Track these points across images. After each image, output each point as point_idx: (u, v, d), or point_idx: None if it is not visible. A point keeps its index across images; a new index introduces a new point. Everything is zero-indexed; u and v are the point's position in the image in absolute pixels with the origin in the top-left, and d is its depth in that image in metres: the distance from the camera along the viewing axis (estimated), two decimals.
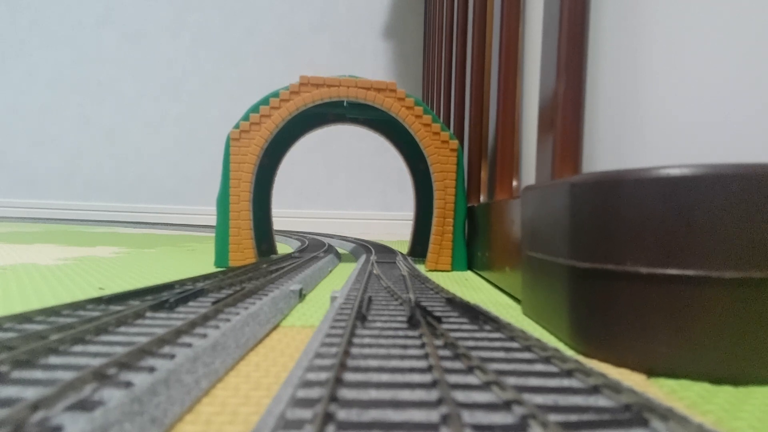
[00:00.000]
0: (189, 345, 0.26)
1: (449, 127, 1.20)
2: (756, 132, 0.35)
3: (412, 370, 0.22)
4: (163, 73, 2.35)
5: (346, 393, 0.19)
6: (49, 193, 2.38)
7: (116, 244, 1.16)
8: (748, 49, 0.35)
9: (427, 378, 0.21)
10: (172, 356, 0.24)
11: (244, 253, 0.75)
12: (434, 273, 0.78)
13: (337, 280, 0.66)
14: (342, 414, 0.17)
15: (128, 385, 0.20)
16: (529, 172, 0.63)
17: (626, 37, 0.41)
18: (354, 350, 0.25)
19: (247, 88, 2.30)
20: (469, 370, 0.23)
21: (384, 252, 0.93)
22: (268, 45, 2.33)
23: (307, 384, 0.20)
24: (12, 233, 1.41)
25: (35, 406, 0.16)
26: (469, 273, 0.79)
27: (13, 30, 2.34)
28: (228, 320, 0.32)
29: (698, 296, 0.27)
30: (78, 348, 0.24)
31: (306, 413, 0.17)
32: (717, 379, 0.27)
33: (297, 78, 0.77)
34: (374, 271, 0.60)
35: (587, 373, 0.22)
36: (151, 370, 0.21)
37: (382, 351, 0.25)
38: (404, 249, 1.12)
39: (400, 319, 0.33)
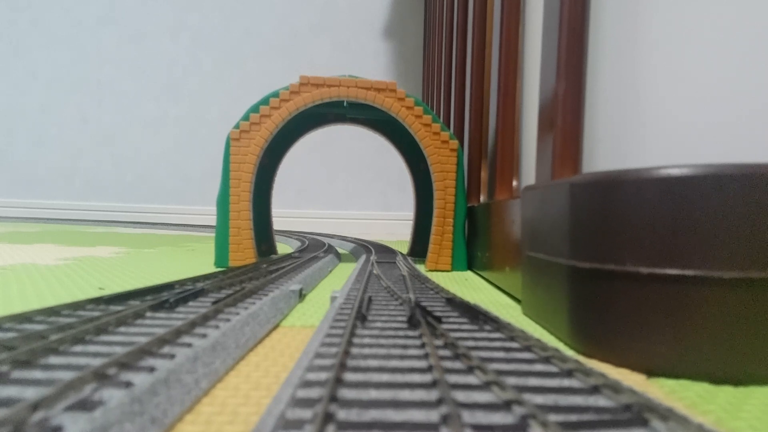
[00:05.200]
0: (189, 345, 0.26)
1: (449, 127, 1.20)
2: (756, 132, 0.35)
3: (412, 370, 0.22)
4: (163, 73, 2.35)
5: (346, 393, 0.19)
6: (49, 193, 2.37)
7: (116, 244, 1.16)
8: (747, 49, 0.35)
9: (427, 378, 0.21)
10: (172, 356, 0.24)
11: (244, 253, 0.75)
12: (434, 273, 0.78)
13: (337, 280, 0.66)
14: (342, 414, 0.17)
15: (128, 385, 0.20)
16: (529, 172, 0.63)
17: (626, 37, 0.41)
18: (354, 350, 0.25)
19: (247, 88, 2.30)
20: (469, 370, 0.23)
21: (384, 252, 0.93)
22: (268, 45, 2.33)
23: (307, 384, 0.20)
24: (12, 233, 1.41)
25: (35, 406, 0.16)
26: (469, 273, 0.79)
27: (13, 30, 2.34)
28: (228, 320, 0.32)
29: (698, 296, 0.27)
30: (78, 348, 0.24)
31: (306, 413, 0.17)
32: (717, 379, 0.27)
33: (297, 78, 0.77)
34: (374, 271, 0.60)
35: (587, 373, 0.22)
36: (151, 370, 0.21)
37: (382, 351, 0.25)
38: (404, 249, 1.12)
39: (400, 319, 0.33)
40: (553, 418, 0.18)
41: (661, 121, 0.38)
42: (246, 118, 0.75)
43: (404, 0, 2.32)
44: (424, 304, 0.40)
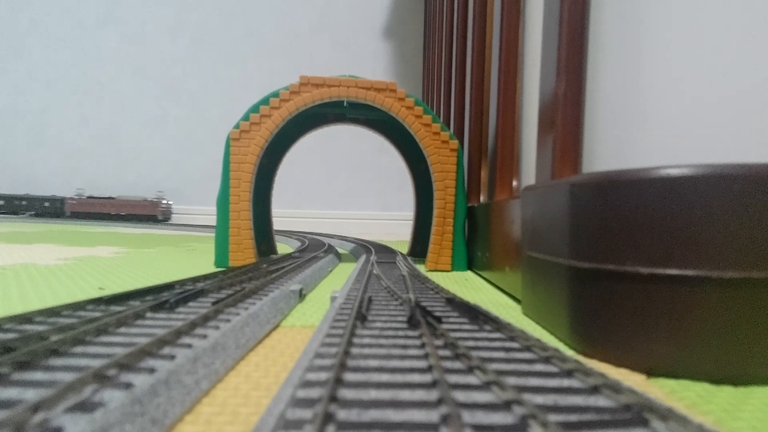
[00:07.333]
0: (189, 346, 0.26)
1: (449, 127, 1.20)
2: (756, 132, 0.35)
3: (412, 370, 0.22)
4: (163, 73, 2.35)
5: (346, 393, 0.19)
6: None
7: (116, 244, 1.16)
8: (748, 49, 0.35)
9: (427, 378, 0.21)
10: (172, 357, 0.24)
11: (244, 253, 0.75)
12: (434, 273, 0.78)
13: (337, 280, 0.66)
14: (342, 414, 0.17)
15: (128, 386, 0.20)
16: (529, 172, 0.63)
17: (626, 36, 0.41)
18: (354, 350, 0.25)
19: (247, 88, 2.30)
20: (469, 370, 0.23)
21: (384, 252, 0.93)
22: (268, 45, 2.33)
23: (307, 384, 0.20)
24: (12, 233, 1.41)
25: (36, 407, 0.16)
26: (469, 273, 0.79)
27: (13, 30, 2.34)
28: (228, 321, 0.32)
29: (698, 296, 0.27)
30: (78, 349, 0.24)
31: (306, 413, 0.17)
32: (717, 379, 0.27)
33: (297, 78, 0.77)
34: (374, 271, 0.60)
35: (587, 373, 0.22)
36: (152, 371, 0.21)
37: (382, 351, 0.25)
38: (404, 249, 1.12)
39: (400, 319, 0.33)
40: (553, 418, 0.18)
41: (661, 121, 0.38)
42: (246, 118, 0.75)
43: (404, 0, 2.32)
44: (424, 304, 0.40)
